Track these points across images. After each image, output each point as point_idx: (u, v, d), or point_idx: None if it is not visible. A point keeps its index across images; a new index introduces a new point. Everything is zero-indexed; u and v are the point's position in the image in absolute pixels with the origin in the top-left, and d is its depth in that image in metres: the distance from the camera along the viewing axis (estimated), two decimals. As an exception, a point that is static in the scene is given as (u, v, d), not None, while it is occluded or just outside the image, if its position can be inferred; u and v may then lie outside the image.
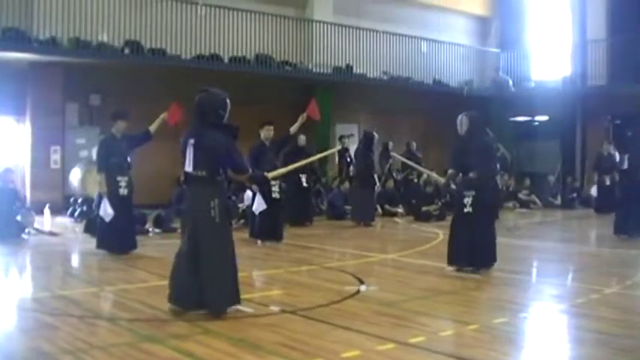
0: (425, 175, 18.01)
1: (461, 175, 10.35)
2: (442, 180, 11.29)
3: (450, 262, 10.31)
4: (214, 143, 7.33)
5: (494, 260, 10.25)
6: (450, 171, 10.70)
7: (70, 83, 20.67)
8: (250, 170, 8.14)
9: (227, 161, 7.44)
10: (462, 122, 10.48)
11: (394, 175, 23.57)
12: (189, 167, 7.37)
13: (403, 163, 21.17)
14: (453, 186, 10.54)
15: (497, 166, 11.79)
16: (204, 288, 7.23)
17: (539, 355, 6.15)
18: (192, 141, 7.38)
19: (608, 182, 21.75)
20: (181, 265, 7.41)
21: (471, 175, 10.11)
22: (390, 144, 22.40)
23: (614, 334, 6.66)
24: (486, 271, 10.07)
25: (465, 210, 10.07)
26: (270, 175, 9.13)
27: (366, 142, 18.30)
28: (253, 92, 22.84)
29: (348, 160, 22.82)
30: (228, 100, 7.65)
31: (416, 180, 23.20)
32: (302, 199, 17.79)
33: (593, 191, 22.28)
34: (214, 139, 7.35)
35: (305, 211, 18.06)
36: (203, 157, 7.32)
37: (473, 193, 10.04)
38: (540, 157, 21.80)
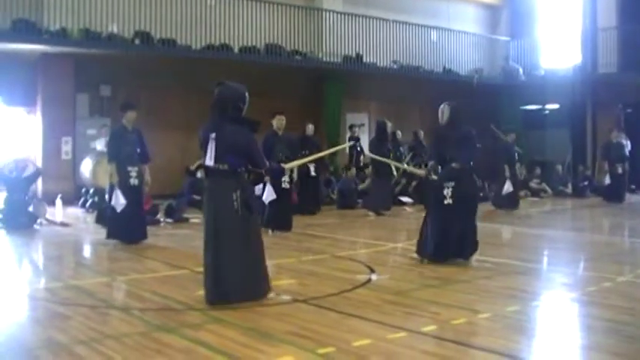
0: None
1: (439, 166, 10.27)
2: (421, 172, 11.14)
3: (419, 251, 10.20)
4: (235, 137, 7.38)
5: (475, 250, 10.07)
6: (431, 163, 10.57)
7: (81, 74, 20.73)
8: (268, 164, 8.14)
9: (247, 155, 7.48)
10: (444, 111, 10.35)
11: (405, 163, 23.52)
12: (210, 161, 7.38)
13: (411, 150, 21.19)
14: (434, 177, 10.40)
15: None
16: (223, 277, 7.27)
17: (550, 344, 6.14)
18: (213, 135, 7.38)
19: (620, 170, 21.76)
20: (205, 259, 7.41)
21: (454, 165, 10.01)
22: (399, 133, 22.33)
23: (626, 322, 6.64)
24: (465, 261, 9.90)
25: (445, 202, 9.94)
26: (286, 166, 9.16)
27: (379, 131, 18.27)
28: (263, 82, 22.83)
29: (358, 149, 22.82)
30: (247, 94, 7.63)
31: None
32: (310, 188, 17.85)
33: (607, 180, 22.22)
34: (235, 132, 7.40)
35: (314, 199, 18.12)
36: (224, 151, 7.35)
37: (452, 184, 9.94)
38: (551, 145, 21.78)
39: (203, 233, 7.52)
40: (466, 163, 10.18)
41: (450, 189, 9.92)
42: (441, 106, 10.45)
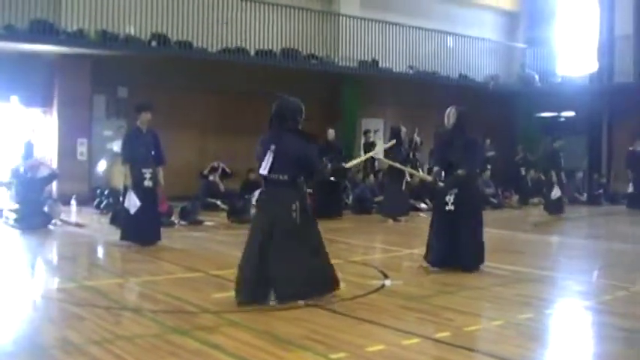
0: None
1: (443, 172, 10.16)
2: (429, 178, 11.04)
3: (426, 257, 10.09)
4: (295, 149, 7.61)
5: (482, 262, 9.94)
6: (436, 168, 10.47)
7: (98, 75, 20.80)
8: (328, 166, 8.29)
9: (305, 166, 7.71)
10: (450, 115, 10.15)
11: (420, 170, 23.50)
12: (264, 171, 7.61)
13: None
14: (441, 184, 10.29)
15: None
16: (275, 282, 7.45)
17: (563, 352, 6.13)
18: (272, 147, 7.59)
19: None
20: (251, 262, 7.53)
21: (460, 172, 9.87)
22: (417, 138, 22.28)
23: (639, 331, 6.64)
24: (470, 274, 9.66)
25: (447, 208, 9.83)
26: (347, 165, 9.41)
27: (393, 136, 18.22)
28: (279, 86, 22.76)
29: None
30: (303, 107, 7.92)
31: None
32: (331, 193, 17.83)
33: (630, 188, 22.20)
34: (295, 144, 7.63)
35: (334, 204, 18.11)
36: (284, 162, 7.57)
37: (455, 191, 9.81)
38: (566, 152, 21.78)
39: (251, 239, 7.66)
40: (472, 170, 10.12)
41: (453, 195, 9.81)
42: (448, 109, 10.27)
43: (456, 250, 9.79)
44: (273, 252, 7.43)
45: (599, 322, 7.23)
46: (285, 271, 7.42)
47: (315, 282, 7.63)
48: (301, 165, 7.65)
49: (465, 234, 9.80)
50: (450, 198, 9.82)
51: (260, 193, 8.03)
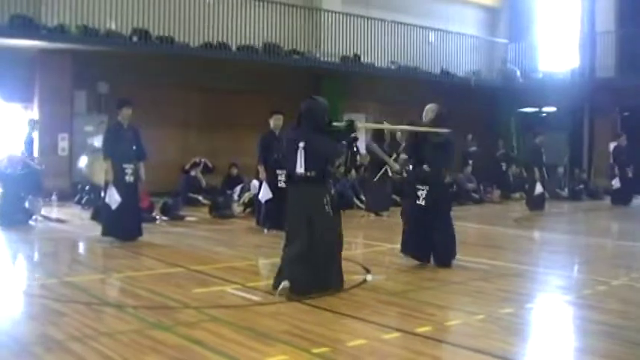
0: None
1: (411, 166, 10.21)
2: (397, 167, 10.99)
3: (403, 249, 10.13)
4: (325, 147, 8.07)
5: (453, 257, 9.94)
6: (403, 156, 10.55)
7: (79, 71, 20.69)
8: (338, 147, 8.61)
9: (334, 162, 8.45)
10: (429, 110, 10.19)
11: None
12: (300, 168, 7.98)
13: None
14: (404, 174, 10.32)
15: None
16: (322, 272, 7.90)
17: (544, 346, 6.15)
18: (302, 144, 7.96)
19: (630, 174, 21.97)
20: (298, 255, 7.83)
21: (425, 167, 9.88)
22: (398, 134, 22.28)
23: (620, 325, 6.66)
24: (450, 269, 9.71)
25: (418, 202, 9.84)
26: (360, 124, 9.29)
27: (375, 131, 18.21)
28: (261, 81, 22.88)
29: (355, 149, 22.77)
30: (327, 106, 8.40)
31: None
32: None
33: (616, 183, 22.29)
34: (324, 143, 8.06)
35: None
36: (313, 159, 7.96)
37: (427, 188, 9.79)
38: (547, 148, 21.85)
39: (288, 233, 8.10)
40: (440, 167, 10.04)
41: (425, 192, 9.81)
42: (429, 105, 10.30)
43: (431, 246, 9.83)
44: (315, 245, 7.81)
45: (580, 316, 7.26)
46: (327, 264, 7.94)
47: (337, 275, 8.13)
48: (327, 161, 8.14)
49: (438, 231, 9.82)
50: (422, 193, 9.83)
51: (291, 191, 8.28)
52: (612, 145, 23.25)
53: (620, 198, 22.02)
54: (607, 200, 23.39)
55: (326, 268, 7.93)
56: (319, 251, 7.84)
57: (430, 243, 9.84)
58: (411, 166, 10.25)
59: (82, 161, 19.14)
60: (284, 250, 8.05)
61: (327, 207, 7.96)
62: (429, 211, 9.80)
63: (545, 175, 20.29)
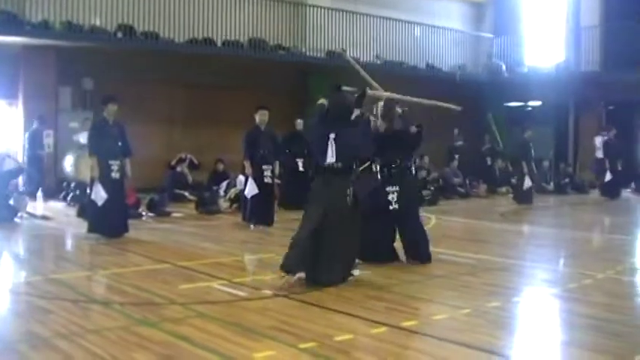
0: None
1: (378, 167, 9.76)
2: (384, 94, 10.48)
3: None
4: (354, 139, 8.30)
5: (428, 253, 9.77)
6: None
7: (63, 67, 20.60)
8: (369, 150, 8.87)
9: (359, 152, 8.48)
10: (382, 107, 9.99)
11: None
12: (331, 158, 8.22)
13: None
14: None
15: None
16: (327, 262, 8.07)
17: (531, 340, 6.17)
18: (332, 135, 8.22)
19: (620, 168, 22.14)
20: (307, 240, 8.10)
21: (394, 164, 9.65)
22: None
23: (606, 318, 6.69)
24: (432, 263, 9.60)
25: (391, 207, 9.56)
26: (369, 92, 9.79)
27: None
28: (247, 76, 22.82)
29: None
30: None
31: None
32: (298, 183, 17.71)
33: (607, 176, 22.39)
34: (354, 136, 8.31)
35: (302, 194, 17.97)
36: (342, 151, 8.22)
37: (397, 188, 9.57)
38: (533, 142, 21.91)
39: (307, 221, 8.28)
40: (409, 161, 9.88)
41: (395, 194, 9.56)
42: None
43: (412, 246, 9.75)
44: (327, 235, 8.07)
45: (566, 309, 7.29)
46: (339, 253, 8.14)
47: (350, 264, 8.40)
48: (355, 152, 8.39)
49: (410, 231, 9.77)
50: (393, 197, 9.58)
51: (316, 181, 8.47)
52: (598, 139, 23.33)
53: (610, 191, 22.12)
54: (592, 194, 23.53)
55: (328, 259, 8.05)
56: (326, 241, 8.05)
57: (389, 243, 9.74)
58: (376, 167, 9.79)
59: (68, 160, 19.06)
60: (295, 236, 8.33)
61: (348, 198, 8.17)
62: (402, 213, 9.62)
63: (534, 169, 20.42)
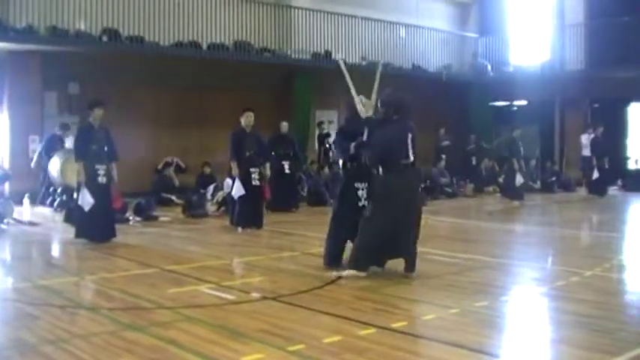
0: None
1: (346, 162, 9.65)
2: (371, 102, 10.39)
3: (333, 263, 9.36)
4: (416, 137, 8.83)
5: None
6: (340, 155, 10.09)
7: (48, 72, 20.52)
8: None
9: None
10: (368, 105, 9.91)
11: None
12: (413, 156, 8.74)
13: None
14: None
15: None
16: (409, 247, 8.73)
17: (520, 338, 6.18)
18: (410, 136, 8.72)
19: (607, 165, 22.23)
20: (386, 232, 8.62)
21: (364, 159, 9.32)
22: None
23: (594, 315, 6.71)
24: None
25: (360, 204, 9.29)
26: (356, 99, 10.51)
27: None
28: (232, 79, 22.79)
29: (327, 145, 22.83)
30: None
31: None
32: (285, 186, 17.74)
33: (595, 174, 22.46)
34: (415, 133, 8.84)
35: (290, 197, 18.02)
36: (414, 149, 8.78)
37: (366, 185, 9.34)
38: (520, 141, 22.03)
39: (382, 216, 8.52)
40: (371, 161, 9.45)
41: (365, 190, 9.34)
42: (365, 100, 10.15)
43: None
44: (407, 226, 8.70)
45: (555, 307, 7.31)
46: (408, 233, 8.74)
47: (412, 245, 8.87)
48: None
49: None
50: (362, 193, 9.37)
51: (395, 177, 8.63)
52: (584, 137, 23.43)
53: (597, 188, 22.21)
54: (579, 192, 23.61)
55: (407, 236, 8.68)
56: (407, 221, 8.66)
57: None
58: (342, 162, 9.76)
59: (54, 164, 18.98)
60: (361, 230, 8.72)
61: (420, 189, 9.44)
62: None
63: (523, 167, 20.56)
